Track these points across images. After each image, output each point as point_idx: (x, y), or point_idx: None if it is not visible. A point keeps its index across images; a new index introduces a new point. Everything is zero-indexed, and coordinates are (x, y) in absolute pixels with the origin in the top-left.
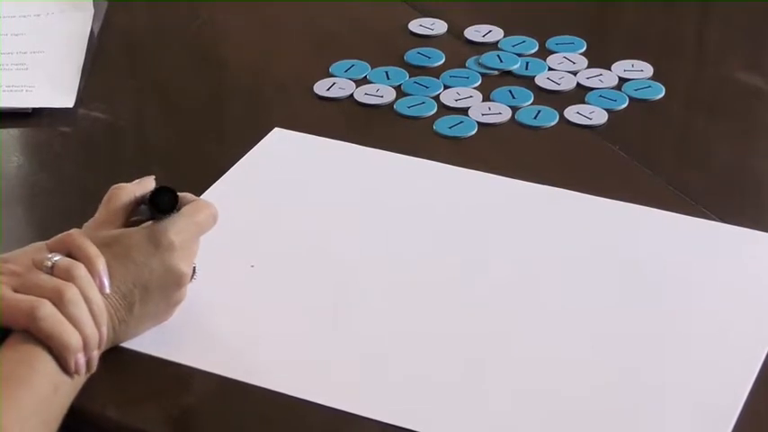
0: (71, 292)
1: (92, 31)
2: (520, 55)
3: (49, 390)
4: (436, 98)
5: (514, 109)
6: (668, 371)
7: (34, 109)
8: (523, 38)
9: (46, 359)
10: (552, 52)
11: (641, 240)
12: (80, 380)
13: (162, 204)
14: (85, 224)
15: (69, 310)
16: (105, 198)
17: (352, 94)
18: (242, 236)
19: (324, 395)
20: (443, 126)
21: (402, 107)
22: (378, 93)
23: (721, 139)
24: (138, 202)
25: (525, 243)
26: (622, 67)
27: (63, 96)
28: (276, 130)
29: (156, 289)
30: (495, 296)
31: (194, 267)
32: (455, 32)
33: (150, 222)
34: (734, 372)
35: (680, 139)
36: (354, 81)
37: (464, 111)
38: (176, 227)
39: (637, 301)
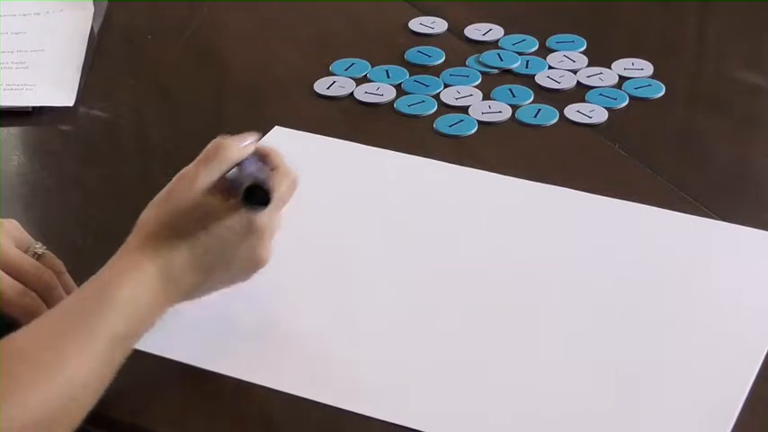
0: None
1: (92, 30)
2: (520, 53)
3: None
4: (436, 97)
5: (514, 107)
6: (668, 370)
7: (34, 107)
8: (524, 36)
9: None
10: (552, 51)
11: (641, 239)
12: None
13: (255, 200)
14: (182, 172)
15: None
16: (212, 152)
17: (352, 93)
18: None
19: (324, 394)
20: (443, 125)
21: (402, 106)
22: (378, 91)
23: (721, 137)
24: (236, 164)
25: (525, 242)
26: (622, 66)
27: (63, 95)
28: (276, 128)
29: (234, 273)
30: (494, 294)
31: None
32: (455, 31)
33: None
34: (734, 371)
35: (680, 137)
36: (354, 79)
37: (464, 109)
38: (267, 208)
39: (636, 299)
